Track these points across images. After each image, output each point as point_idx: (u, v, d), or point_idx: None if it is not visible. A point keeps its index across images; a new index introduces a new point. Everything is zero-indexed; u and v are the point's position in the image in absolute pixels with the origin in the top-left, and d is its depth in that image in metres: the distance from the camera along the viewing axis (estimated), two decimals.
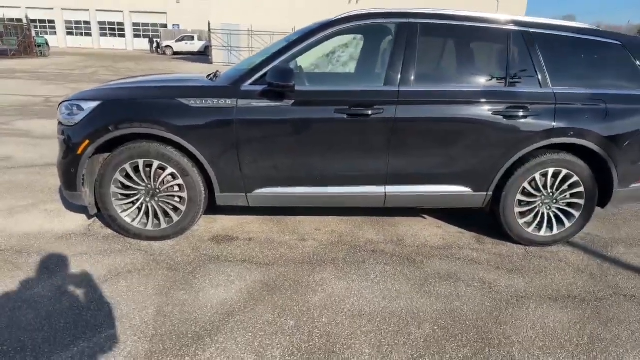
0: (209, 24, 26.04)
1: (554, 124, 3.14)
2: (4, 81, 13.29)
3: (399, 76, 3.10)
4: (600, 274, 3.10)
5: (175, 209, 3.22)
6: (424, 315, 2.53)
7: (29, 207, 3.80)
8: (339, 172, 3.21)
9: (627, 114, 3.24)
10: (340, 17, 3.20)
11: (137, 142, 3.06)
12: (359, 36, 4.08)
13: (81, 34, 44.50)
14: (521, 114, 3.12)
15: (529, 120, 3.13)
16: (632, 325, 2.52)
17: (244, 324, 2.36)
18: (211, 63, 24.94)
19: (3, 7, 38.57)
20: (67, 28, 44.06)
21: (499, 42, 3.25)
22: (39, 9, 42.29)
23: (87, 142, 2.99)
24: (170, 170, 3.10)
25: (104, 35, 44.90)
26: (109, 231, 3.40)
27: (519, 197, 3.32)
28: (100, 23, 44.32)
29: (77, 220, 3.59)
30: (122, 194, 3.17)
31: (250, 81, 3.06)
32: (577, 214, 3.37)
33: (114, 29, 44.85)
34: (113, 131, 2.97)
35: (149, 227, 3.23)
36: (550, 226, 3.41)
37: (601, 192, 3.39)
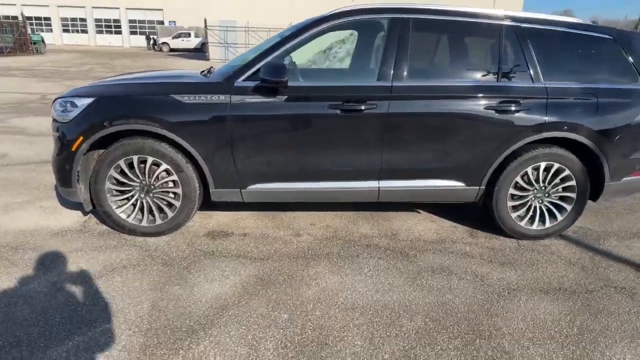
0: (205, 20, 25.97)
1: (546, 118, 3.16)
2: None
3: (392, 71, 3.12)
4: (592, 267, 3.13)
5: (170, 205, 3.24)
6: (416, 307, 2.56)
7: (24, 204, 3.82)
8: (332, 167, 3.23)
9: (618, 107, 3.26)
10: (332, 12, 3.21)
11: (132, 139, 3.07)
12: (355, 32, 4.10)
13: (77, 31, 44.29)
14: (513, 108, 3.14)
15: (521, 114, 3.15)
16: (621, 316, 2.55)
17: (238, 318, 2.39)
18: (208, 60, 24.87)
19: None
20: (63, 25, 43.85)
21: (491, 37, 3.26)
22: (34, 6, 42.05)
23: (81, 138, 3.01)
24: (164, 166, 3.11)
25: (100, 32, 44.69)
26: (104, 227, 3.41)
27: (512, 191, 3.34)
28: (96, 20, 44.11)
29: (73, 217, 3.60)
30: (116, 190, 3.19)
31: (243, 77, 3.07)
32: (569, 207, 3.40)
33: (110, 26, 44.64)
34: (107, 127, 2.98)
35: (144, 223, 3.24)
36: (542, 220, 3.44)
37: (593, 186, 3.42)
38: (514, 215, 3.41)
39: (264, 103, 3.05)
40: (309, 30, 3.17)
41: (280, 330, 2.31)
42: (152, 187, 3.19)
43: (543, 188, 3.38)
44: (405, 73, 3.12)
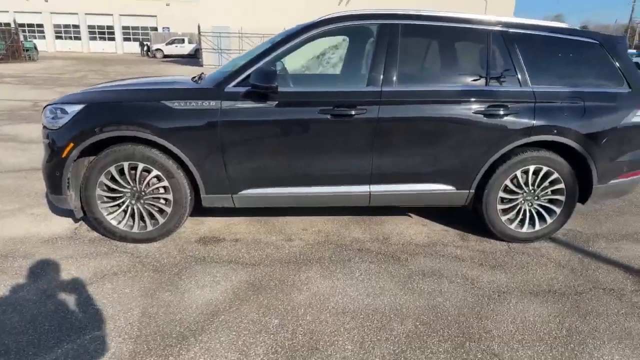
0: (198, 26, 26.01)
1: (534, 122, 3.20)
2: None
3: (382, 77, 3.15)
4: (581, 269, 3.16)
5: (161, 211, 3.23)
6: (406, 311, 2.57)
7: (15, 212, 3.80)
8: (323, 172, 3.24)
9: (604, 111, 3.31)
10: (322, 19, 3.24)
11: (122, 145, 3.07)
12: (347, 38, 4.13)
13: (70, 38, 44.22)
14: (501, 112, 3.18)
15: (509, 118, 3.19)
16: (609, 317, 2.58)
17: (229, 324, 2.39)
18: (201, 66, 24.88)
19: None
20: (56, 32, 43.76)
21: (480, 42, 3.31)
22: (27, 13, 41.95)
23: (71, 145, 3.00)
24: (155, 172, 3.11)
25: (94, 39, 44.65)
26: (95, 234, 3.40)
27: (501, 194, 3.37)
28: (89, 27, 44.07)
29: (64, 224, 3.59)
30: (107, 197, 3.19)
31: (234, 83, 3.09)
32: (558, 210, 3.44)
33: (104, 33, 44.61)
34: (97, 134, 2.98)
35: (135, 229, 3.24)
36: (532, 222, 3.47)
37: (581, 188, 3.45)
38: (503, 218, 3.43)
39: (255, 108, 3.07)
40: (299, 36, 3.19)
41: (271, 335, 2.31)
42: (143, 193, 3.19)
43: (532, 191, 3.41)
44: (394, 78, 3.15)
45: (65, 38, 44.16)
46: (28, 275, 2.80)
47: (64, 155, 3.02)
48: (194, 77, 3.57)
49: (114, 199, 3.20)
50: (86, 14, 43.23)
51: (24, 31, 37.18)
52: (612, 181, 3.45)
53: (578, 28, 3.50)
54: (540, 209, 3.46)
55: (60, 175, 3.07)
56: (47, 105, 3.21)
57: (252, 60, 3.15)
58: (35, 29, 42.97)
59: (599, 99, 3.31)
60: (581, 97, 3.27)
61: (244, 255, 3.19)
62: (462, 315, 2.54)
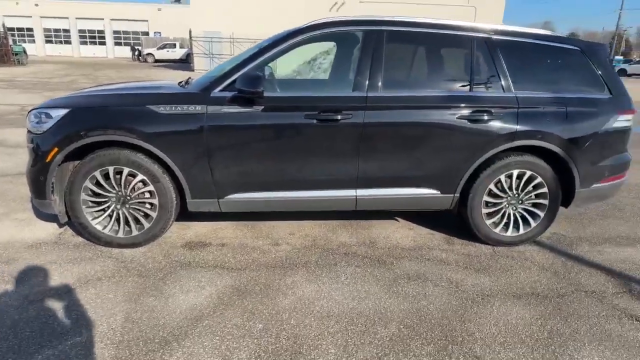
0: (190, 31, 25.99)
1: (517, 127, 3.24)
2: None
3: (367, 82, 3.18)
4: (564, 272, 3.20)
5: (147, 216, 3.22)
6: (391, 314, 2.58)
7: None
8: (310, 176, 3.25)
9: (586, 116, 3.36)
10: (308, 25, 3.26)
11: (107, 149, 3.06)
12: (335, 43, 4.16)
13: (61, 42, 43.99)
14: (485, 117, 3.22)
15: (493, 123, 3.23)
16: (590, 319, 2.61)
17: (212, 328, 2.38)
18: (193, 70, 24.84)
19: None
20: (46, 36, 43.51)
21: (464, 49, 3.35)
22: (17, 17, 41.67)
23: (55, 149, 2.99)
24: (140, 177, 3.10)
25: (84, 43, 44.45)
26: (80, 239, 3.38)
27: (486, 198, 3.41)
28: (80, 31, 43.89)
29: (48, 229, 3.56)
30: (92, 202, 3.17)
31: (220, 87, 3.10)
32: (542, 214, 3.48)
33: (95, 37, 44.44)
34: (82, 138, 2.97)
35: (120, 234, 3.22)
36: (516, 226, 3.51)
37: (565, 192, 3.50)
38: (488, 222, 3.47)
39: (241, 113, 3.08)
40: (285, 41, 3.21)
41: (255, 340, 2.31)
42: (129, 198, 3.17)
43: (516, 195, 3.45)
44: (380, 84, 3.18)
45: (56, 42, 43.92)
46: (10, 281, 2.77)
47: (48, 160, 3.01)
48: (181, 82, 3.57)
49: (99, 203, 3.18)
50: (77, 18, 43.07)
51: (13, 35, 36.86)
52: (594, 185, 3.50)
53: (560, 35, 3.56)
54: (525, 213, 3.50)
55: (45, 179, 3.05)
56: (32, 109, 3.19)
57: (239, 65, 3.16)
58: (25, 33, 42.70)
59: (580, 105, 3.37)
60: (563, 103, 3.33)
61: (230, 260, 3.18)
62: (445, 319, 2.56)
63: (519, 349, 2.32)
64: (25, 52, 27.00)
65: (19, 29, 42.19)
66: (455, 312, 2.64)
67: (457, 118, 3.20)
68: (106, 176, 3.11)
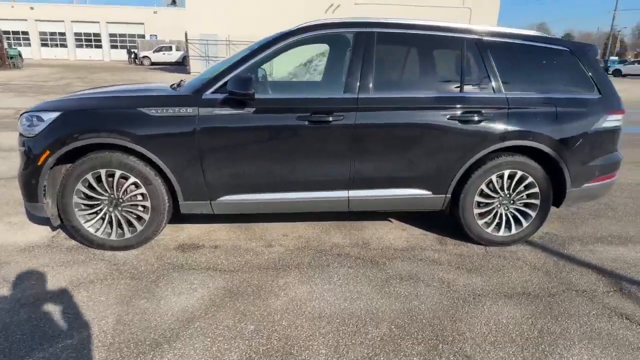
0: (185, 34, 25.99)
1: (507, 128, 3.26)
2: None
3: (358, 84, 3.19)
4: (556, 271, 3.21)
5: (139, 218, 3.22)
6: (382, 315, 2.59)
7: None
8: (302, 177, 3.26)
9: (576, 116, 3.39)
10: (299, 26, 3.28)
11: (99, 152, 3.06)
12: (327, 45, 4.17)
13: (56, 45, 43.91)
14: (476, 118, 3.24)
15: (483, 124, 3.25)
16: (581, 318, 2.63)
17: (204, 330, 2.39)
18: (189, 73, 24.84)
19: None
20: (42, 39, 43.42)
21: (454, 50, 3.37)
22: (12, 20, 41.59)
23: (47, 152, 2.99)
24: (132, 179, 3.11)
25: (80, 46, 44.38)
26: (73, 242, 3.38)
27: (477, 198, 3.43)
28: (76, 34, 43.81)
29: (41, 232, 3.56)
30: (84, 204, 3.17)
31: (211, 90, 3.11)
32: (533, 213, 3.50)
33: (90, 40, 44.37)
34: (73, 141, 2.97)
35: (113, 237, 3.22)
36: (508, 226, 3.53)
37: (556, 192, 3.52)
38: (480, 222, 3.49)
39: (233, 115, 3.09)
40: (276, 43, 3.22)
41: (246, 341, 2.32)
42: (121, 200, 3.18)
43: (508, 195, 3.47)
44: (370, 85, 3.20)
45: (52, 45, 43.84)
46: (2, 284, 2.77)
47: (39, 163, 3.01)
48: (173, 85, 3.58)
49: (91, 206, 3.19)
50: (72, 21, 42.99)
51: (8, 38, 36.77)
52: (585, 185, 3.52)
53: (549, 36, 3.59)
54: (516, 213, 3.52)
55: (36, 183, 3.05)
56: (24, 112, 3.19)
57: (230, 67, 3.17)
58: (21, 36, 42.59)
59: (570, 105, 3.39)
60: (553, 103, 3.35)
61: (223, 261, 3.19)
62: (436, 318, 2.57)
63: (509, 348, 2.33)
64: (20, 55, 26.91)
65: (15, 33, 42.10)
66: (447, 311, 2.65)
67: (447, 119, 3.22)
68: (98, 179, 3.11)
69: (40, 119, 3.05)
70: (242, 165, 3.18)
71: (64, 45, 43.85)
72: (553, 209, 3.61)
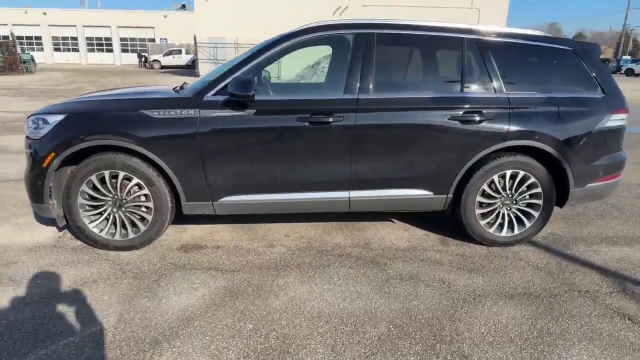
0: (194, 37, 26.22)
1: (509, 128, 3.25)
2: None
3: (358, 84, 3.21)
4: (558, 272, 3.19)
5: (142, 219, 3.27)
6: (381, 314, 2.60)
7: (0, 221, 3.83)
8: (303, 178, 3.28)
9: (579, 116, 3.36)
10: (300, 28, 3.31)
11: (103, 154, 3.11)
12: (330, 47, 4.19)
13: (68, 50, 44.57)
14: (477, 118, 3.23)
15: (484, 124, 3.24)
16: (582, 319, 2.60)
17: (203, 329, 2.41)
18: (198, 76, 24.99)
19: None
20: (54, 44, 44.13)
21: (455, 50, 3.37)
22: (25, 26, 42.35)
23: (52, 154, 3.05)
24: (136, 180, 3.15)
25: (92, 50, 45.01)
26: (78, 243, 3.43)
27: (479, 198, 3.41)
28: (87, 39, 44.45)
29: (48, 233, 3.62)
30: (89, 205, 3.22)
31: (213, 92, 3.14)
32: (536, 214, 3.47)
33: (102, 44, 44.98)
34: (78, 143, 3.03)
35: (117, 237, 3.27)
36: (511, 226, 3.51)
37: (559, 192, 3.49)
38: (482, 222, 3.47)
39: (233, 117, 3.12)
40: (277, 45, 3.25)
41: (244, 340, 2.34)
42: (124, 201, 3.22)
43: (510, 195, 3.45)
44: (371, 86, 3.21)
45: (64, 50, 44.52)
46: (8, 283, 2.83)
47: (45, 165, 3.07)
48: (176, 87, 3.62)
49: (95, 207, 3.24)
50: (84, 26, 43.63)
51: (22, 43, 37.48)
52: (588, 185, 3.49)
53: (551, 35, 3.57)
54: (519, 213, 3.50)
55: (42, 184, 3.11)
56: (30, 115, 3.26)
57: (231, 69, 3.21)
58: (34, 41, 43.34)
59: (573, 104, 3.36)
60: (555, 103, 3.33)
61: (224, 262, 3.22)
62: (435, 318, 2.57)
63: (507, 348, 2.32)
64: (33, 60, 27.39)
65: (28, 38, 42.86)
66: (446, 312, 2.64)
67: (448, 119, 3.22)
68: (102, 180, 3.17)
69: (45, 122, 3.11)
70: (243, 166, 3.21)
71: (76, 50, 44.51)
72: (558, 209, 3.58)
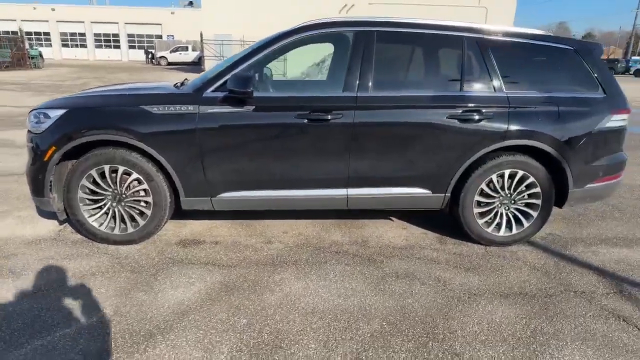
0: (201, 34, 26.30)
1: (508, 127, 3.24)
2: None
3: (357, 82, 3.21)
4: (555, 272, 3.18)
5: (142, 214, 3.30)
6: (375, 311, 2.61)
7: (2, 214, 3.88)
8: (301, 175, 3.29)
9: (579, 116, 3.34)
10: (299, 26, 3.31)
11: (103, 149, 3.15)
12: (332, 45, 4.20)
13: (76, 46, 44.85)
14: (476, 117, 3.22)
15: (484, 123, 3.23)
16: (576, 319, 2.60)
17: (197, 323, 2.44)
18: None
19: None
20: (62, 40, 44.42)
21: (454, 48, 3.36)
22: (34, 22, 42.69)
23: (53, 148, 3.08)
24: (135, 175, 3.18)
25: (99, 46, 45.25)
26: (79, 236, 3.47)
27: (478, 198, 3.41)
28: (95, 35, 44.69)
29: (49, 226, 3.66)
30: (89, 199, 3.25)
31: (212, 88, 3.16)
32: (534, 214, 3.46)
33: (109, 40, 45.21)
34: (78, 138, 3.06)
35: (116, 231, 3.30)
36: (509, 226, 3.50)
37: (559, 192, 3.48)
38: (480, 221, 3.47)
39: (233, 113, 3.13)
40: (276, 42, 3.26)
41: (237, 334, 2.36)
42: (124, 196, 3.25)
43: (509, 195, 3.44)
44: (370, 84, 3.21)
45: (72, 46, 44.81)
46: (7, 275, 2.87)
47: (46, 159, 3.10)
48: (176, 84, 3.65)
49: (95, 201, 3.27)
50: (92, 22, 43.88)
51: (30, 39, 37.77)
52: (588, 185, 3.47)
53: (552, 34, 3.55)
54: (517, 213, 3.49)
55: (43, 178, 3.14)
56: (32, 110, 3.29)
57: (230, 66, 3.22)
58: (42, 37, 43.66)
59: (573, 104, 3.35)
60: (555, 102, 3.31)
61: (222, 257, 3.24)
62: (429, 316, 2.58)
63: (499, 347, 2.32)
64: (41, 55, 27.61)
65: (37, 33, 43.21)
66: (440, 310, 2.65)
67: (447, 118, 3.21)
68: (102, 175, 3.20)
69: (47, 116, 3.14)
70: (242, 163, 3.23)
71: (83, 46, 44.78)
72: (559, 210, 3.56)
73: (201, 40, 26.63)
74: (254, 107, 3.13)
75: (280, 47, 3.29)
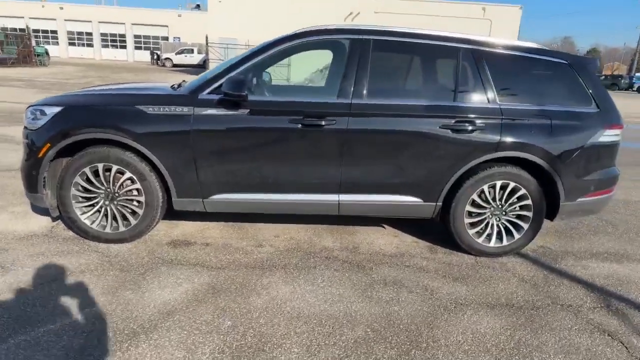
0: (206, 37, 26.47)
1: (500, 138, 3.26)
2: None
3: (352, 89, 3.23)
4: (544, 285, 3.18)
5: (134, 213, 3.31)
6: (360, 318, 2.61)
7: None
8: (293, 179, 3.31)
9: (572, 130, 3.36)
10: (295, 32, 3.34)
11: (97, 147, 3.17)
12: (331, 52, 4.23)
13: (83, 45, 45.17)
14: (468, 128, 3.24)
15: (476, 134, 3.25)
16: (561, 332, 2.60)
17: (182, 323, 2.44)
18: None
19: (5, 17, 39.29)
20: (69, 38, 44.74)
21: (449, 59, 3.38)
22: (42, 19, 43.02)
23: (48, 145, 3.11)
24: (128, 174, 3.20)
25: (106, 46, 45.56)
26: (71, 233, 3.48)
27: (469, 208, 3.42)
28: (102, 34, 45.02)
29: (41, 222, 3.68)
30: (82, 197, 3.27)
31: (208, 90, 3.19)
32: (525, 226, 3.47)
33: (116, 41, 45.53)
34: (73, 135, 3.09)
35: (107, 229, 3.32)
36: (499, 237, 3.50)
37: (550, 205, 3.49)
38: (471, 232, 3.47)
39: (227, 116, 3.16)
40: (272, 48, 3.30)
41: (221, 336, 2.36)
42: (117, 194, 3.27)
43: (500, 206, 3.45)
44: (364, 91, 3.23)
45: (79, 45, 45.13)
46: None
47: (40, 155, 3.13)
48: (173, 85, 3.68)
49: (88, 199, 3.29)
50: (99, 22, 44.21)
51: (37, 37, 38.07)
52: (579, 199, 3.48)
53: (547, 48, 3.58)
54: (508, 224, 3.50)
55: (37, 174, 3.17)
56: (29, 106, 3.33)
57: (227, 69, 3.26)
58: (50, 35, 43.98)
59: (566, 118, 3.36)
60: (548, 116, 3.33)
61: (212, 259, 3.25)
62: (414, 324, 2.58)
63: (482, 357, 2.32)
64: (47, 53, 27.82)
65: (44, 31, 43.54)
66: (425, 318, 2.65)
67: (439, 127, 3.23)
68: (96, 173, 3.22)
69: (43, 113, 3.17)
70: (234, 165, 3.25)
71: (90, 45, 45.10)
72: (552, 223, 3.56)
73: (206, 43, 26.80)
74: (248, 110, 3.15)
75: (277, 53, 3.32)
